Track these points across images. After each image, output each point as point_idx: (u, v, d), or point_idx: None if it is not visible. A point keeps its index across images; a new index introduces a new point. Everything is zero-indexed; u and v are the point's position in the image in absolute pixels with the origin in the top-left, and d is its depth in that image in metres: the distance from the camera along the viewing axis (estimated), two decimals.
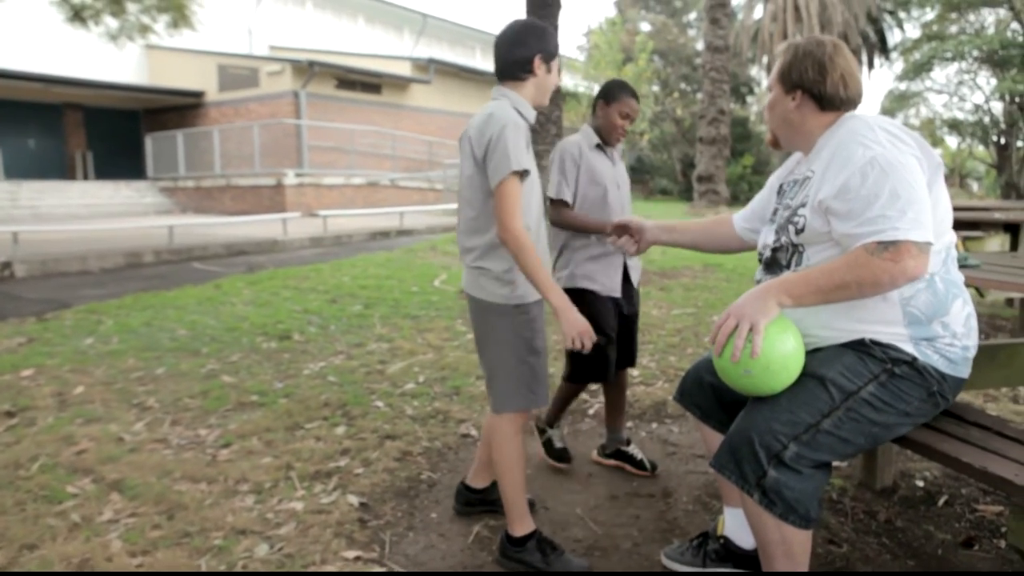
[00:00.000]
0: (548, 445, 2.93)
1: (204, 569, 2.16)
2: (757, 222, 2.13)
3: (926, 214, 1.58)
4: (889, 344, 1.72)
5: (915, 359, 1.71)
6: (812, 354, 1.76)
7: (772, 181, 2.08)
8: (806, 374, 1.73)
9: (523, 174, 2.03)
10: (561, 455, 2.91)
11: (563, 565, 2.17)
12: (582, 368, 2.77)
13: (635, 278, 2.87)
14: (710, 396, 2.05)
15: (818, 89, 1.80)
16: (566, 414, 3.17)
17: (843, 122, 1.79)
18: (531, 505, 2.53)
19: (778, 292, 1.64)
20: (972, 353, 1.80)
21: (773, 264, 1.88)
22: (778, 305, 1.64)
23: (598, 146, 2.74)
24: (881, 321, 1.72)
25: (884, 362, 1.72)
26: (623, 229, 2.34)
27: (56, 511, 2.49)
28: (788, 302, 1.64)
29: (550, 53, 2.15)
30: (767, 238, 1.93)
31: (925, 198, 1.60)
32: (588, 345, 2.07)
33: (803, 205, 1.78)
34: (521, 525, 2.22)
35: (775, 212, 1.96)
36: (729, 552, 2.12)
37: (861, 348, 1.74)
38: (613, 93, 2.69)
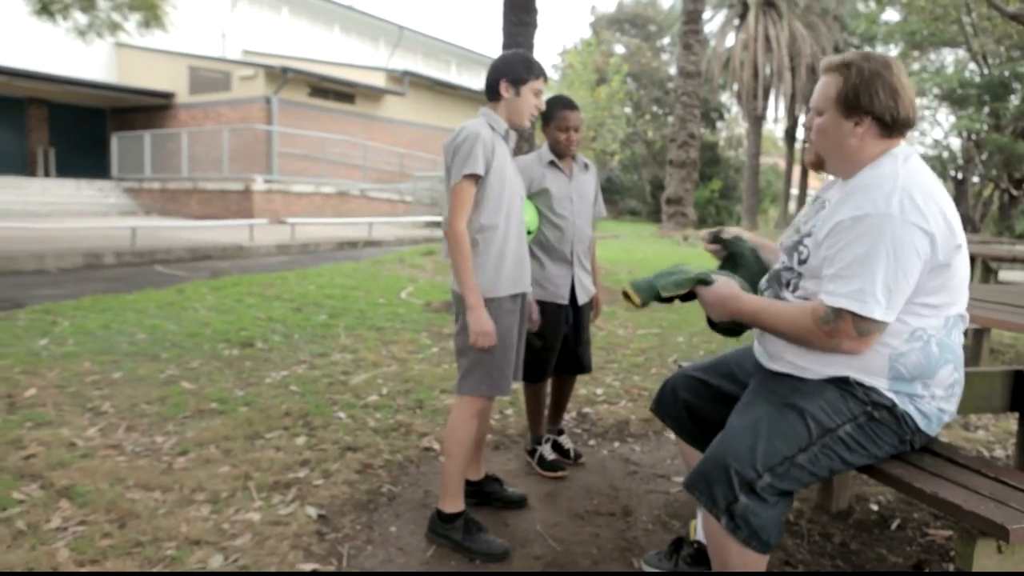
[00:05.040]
0: (541, 460, 3.05)
1: None
2: None
3: (891, 292, 1.59)
4: (871, 387, 1.74)
5: (895, 405, 1.74)
6: (796, 385, 1.79)
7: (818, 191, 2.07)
8: (787, 404, 1.75)
9: (477, 178, 2.28)
10: (553, 466, 3.02)
11: (485, 545, 2.33)
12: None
13: (581, 297, 3.03)
14: (683, 411, 2.16)
15: (891, 115, 1.69)
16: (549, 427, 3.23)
17: (892, 159, 1.71)
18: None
19: (735, 311, 1.85)
20: (947, 418, 1.83)
21: (774, 280, 1.92)
22: (731, 317, 1.88)
23: (551, 163, 2.96)
24: (864, 367, 1.73)
25: (865, 404, 1.74)
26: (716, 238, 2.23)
27: (0, 517, 2.41)
28: (740, 318, 1.87)
29: (517, 78, 2.39)
30: (781, 254, 1.94)
31: (903, 279, 1.59)
32: (486, 345, 2.27)
33: (809, 235, 1.78)
34: (453, 504, 2.39)
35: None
36: (703, 556, 2.16)
37: (844, 386, 1.76)
38: (547, 114, 2.90)
